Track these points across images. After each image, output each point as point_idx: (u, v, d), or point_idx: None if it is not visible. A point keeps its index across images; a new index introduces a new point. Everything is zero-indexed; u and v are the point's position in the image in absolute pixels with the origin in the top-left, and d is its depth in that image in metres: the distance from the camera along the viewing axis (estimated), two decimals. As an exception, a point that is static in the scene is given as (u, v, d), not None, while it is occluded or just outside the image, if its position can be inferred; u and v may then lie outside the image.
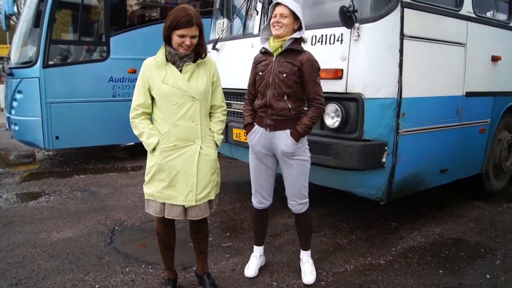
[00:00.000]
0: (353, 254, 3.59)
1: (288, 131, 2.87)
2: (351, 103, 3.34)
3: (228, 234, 4.04)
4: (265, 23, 2.97)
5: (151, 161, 2.70)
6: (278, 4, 2.81)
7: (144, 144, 2.68)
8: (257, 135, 2.98)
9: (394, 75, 3.32)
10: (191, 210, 2.72)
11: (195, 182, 2.66)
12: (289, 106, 2.84)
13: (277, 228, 4.10)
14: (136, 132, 2.69)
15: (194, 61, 2.67)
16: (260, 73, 2.92)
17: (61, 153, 8.25)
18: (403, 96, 3.36)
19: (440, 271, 3.28)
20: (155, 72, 2.61)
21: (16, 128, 6.85)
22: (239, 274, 3.23)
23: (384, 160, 3.37)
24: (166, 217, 2.72)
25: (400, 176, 3.52)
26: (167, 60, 2.63)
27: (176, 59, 2.62)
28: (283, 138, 2.88)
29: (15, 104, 6.78)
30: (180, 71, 2.63)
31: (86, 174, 6.51)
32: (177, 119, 2.63)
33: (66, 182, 6.02)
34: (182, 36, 2.53)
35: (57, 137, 6.62)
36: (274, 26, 2.82)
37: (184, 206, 2.69)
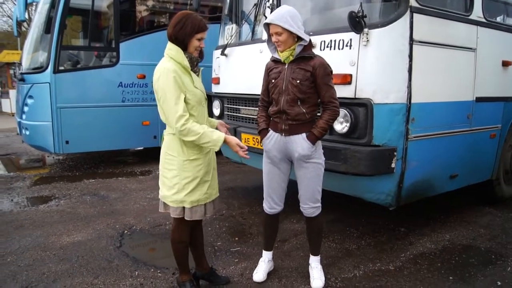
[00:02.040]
0: (362, 259, 3.57)
1: (304, 134, 2.88)
2: (360, 108, 3.34)
3: (236, 238, 4.04)
4: (266, 38, 2.99)
5: (194, 168, 2.68)
6: (268, 23, 2.83)
7: (209, 143, 2.60)
8: (272, 140, 3.00)
9: (403, 80, 3.31)
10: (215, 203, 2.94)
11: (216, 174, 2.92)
12: (303, 110, 2.85)
13: (286, 234, 4.09)
14: (192, 137, 2.56)
15: None
16: (273, 81, 2.94)
17: (71, 158, 8.32)
18: (412, 101, 3.35)
19: (450, 278, 3.25)
20: (184, 77, 2.60)
21: (27, 132, 6.93)
22: (247, 279, 3.23)
23: (393, 165, 3.36)
24: (208, 216, 2.86)
25: (409, 182, 3.51)
26: None
27: (194, 64, 2.71)
28: (299, 142, 2.89)
29: (26, 109, 6.87)
30: (197, 74, 2.76)
31: (95, 178, 6.56)
32: (206, 120, 2.81)
33: (76, 186, 6.07)
34: (200, 39, 2.65)
35: (67, 142, 6.69)
36: (276, 44, 2.87)
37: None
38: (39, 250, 3.78)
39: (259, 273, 3.20)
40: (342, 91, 3.37)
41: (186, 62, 2.61)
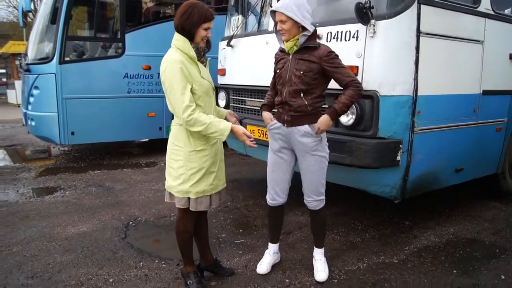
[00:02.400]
0: (366, 252, 3.57)
1: (306, 126, 2.86)
2: (366, 100, 3.32)
3: (241, 230, 4.05)
4: (273, 27, 2.97)
5: (201, 159, 2.69)
6: (274, 11, 2.82)
7: (216, 133, 2.61)
8: (276, 130, 3.01)
9: (410, 73, 3.28)
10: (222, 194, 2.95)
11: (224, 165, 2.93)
12: (306, 102, 2.83)
13: (290, 226, 4.09)
14: (199, 127, 2.57)
15: None
16: (278, 71, 2.95)
17: (76, 149, 8.35)
18: (419, 93, 3.32)
19: (454, 271, 3.25)
20: (190, 68, 2.60)
21: (33, 123, 6.96)
22: (251, 270, 3.24)
23: (398, 158, 3.34)
24: (213, 207, 2.87)
25: (415, 175, 3.49)
26: None
27: (201, 54, 2.71)
28: (301, 133, 2.88)
29: (31, 99, 6.88)
30: (204, 65, 2.76)
31: (101, 169, 6.59)
32: (213, 111, 2.80)
33: (81, 177, 6.10)
34: (207, 29, 2.64)
35: (72, 133, 6.71)
36: (280, 32, 2.85)
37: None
38: (44, 240, 3.81)
39: (263, 265, 3.21)
40: (348, 83, 3.36)
41: (192, 53, 2.61)
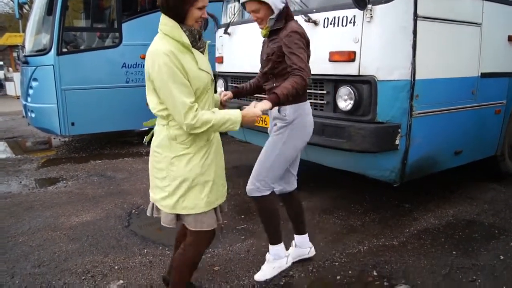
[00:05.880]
0: (366, 235, 3.62)
1: (276, 108, 2.65)
2: (364, 86, 3.34)
3: (242, 216, 4.10)
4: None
5: (186, 166, 2.16)
6: (243, 3, 2.69)
7: (228, 122, 2.14)
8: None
9: (407, 57, 3.29)
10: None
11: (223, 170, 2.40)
12: (274, 85, 2.69)
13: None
14: (206, 126, 2.07)
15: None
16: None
17: (77, 139, 8.38)
18: (416, 77, 3.34)
19: (454, 252, 3.29)
20: (183, 58, 2.04)
21: (33, 115, 6.98)
22: (253, 255, 3.29)
23: (397, 142, 3.37)
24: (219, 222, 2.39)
25: (413, 158, 3.53)
26: None
27: (197, 38, 2.14)
28: (274, 113, 2.76)
29: (31, 91, 6.89)
30: (202, 51, 2.20)
31: (102, 159, 6.62)
32: (212, 105, 2.33)
33: (83, 167, 6.14)
34: (201, 8, 2.08)
35: (72, 124, 6.73)
36: (257, 22, 2.73)
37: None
38: (49, 230, 3.86)
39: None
40: (346, 69, 3.37)
41: (185, 39, 2.06)
